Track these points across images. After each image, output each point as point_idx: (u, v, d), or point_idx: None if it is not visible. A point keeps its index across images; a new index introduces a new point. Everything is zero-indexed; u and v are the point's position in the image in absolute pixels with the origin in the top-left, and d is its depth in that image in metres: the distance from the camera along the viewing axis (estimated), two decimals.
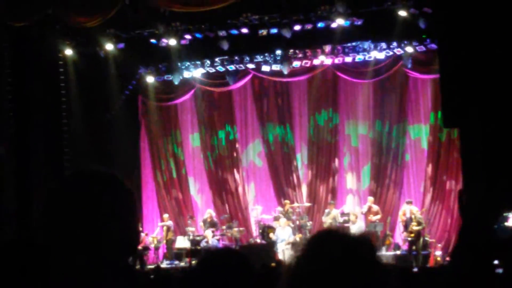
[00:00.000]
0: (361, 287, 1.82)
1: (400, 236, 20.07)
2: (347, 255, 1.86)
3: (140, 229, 20.23)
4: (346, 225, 19.55)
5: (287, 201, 21.10)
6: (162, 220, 21.75)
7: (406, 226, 19.03)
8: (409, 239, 18.64)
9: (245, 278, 2.96)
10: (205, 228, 20.79)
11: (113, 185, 2.20)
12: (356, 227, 19.26)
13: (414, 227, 18.58)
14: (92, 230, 2.09)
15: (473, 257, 2.25)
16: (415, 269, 9.77)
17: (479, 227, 2.29)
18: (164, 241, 21.01)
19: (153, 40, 19.71)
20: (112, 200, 2.15)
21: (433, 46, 18.69)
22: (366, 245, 1.92)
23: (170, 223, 21.48)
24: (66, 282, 2.07)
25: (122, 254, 2.18)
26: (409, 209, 19.32)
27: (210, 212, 21.48)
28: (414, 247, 18.53)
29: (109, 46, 19.72)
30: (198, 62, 21.39)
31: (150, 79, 22.28)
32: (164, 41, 19.56)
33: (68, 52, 19.78)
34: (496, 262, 2.39)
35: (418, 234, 18.59)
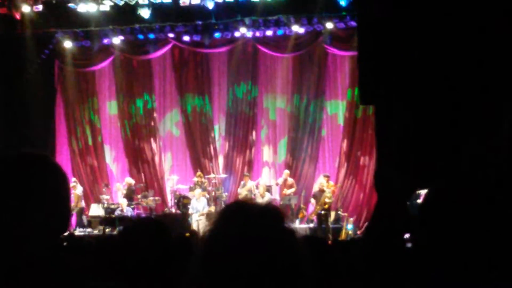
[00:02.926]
0: (271, 254, 1.87)
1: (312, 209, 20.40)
2: (255, 223, 1.92)
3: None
4: (253, 197, 19.69)
5: (199, 173, 21.09)
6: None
7: (316, 198, 19.23)
8: (322, 212, 18.89)
9: (164, 247, 3.01)
10: (128, 196, 20.57)
11: (45, 167, 2.20)
12: (264, 201, 19.43)
13: (327, 199, 18.84)
14: (27, 212, 2.09)
15: (384, 232, 2.32)
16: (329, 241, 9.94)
17: (393, 204, 2.37)
18: (75, 210, 20.65)
19: (71, 5, 19.29)
20: (45, 182, 2.15)
21: (353, 23, 18.97)
22: (273, 214, 1.98)
23: (79, 192, 21.02)
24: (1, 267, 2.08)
25: (55, 234, 2.20)
26: (320, 183, 19.59)
27: (128, 181, 21.29)
28: (324, 221, 18.79)
29: (26, 8, 19.20)
30: (118, 29, 21.05)
31: (67, 44, 21.78)
32: (83, 6, 19.18)
33: None
34: (406, 236, 2.49)
35: (329, 208, 18.90)
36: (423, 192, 2.41)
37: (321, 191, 19.06)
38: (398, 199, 2.41)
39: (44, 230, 2.13)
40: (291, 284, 1.89)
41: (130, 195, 20.74)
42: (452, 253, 2.10)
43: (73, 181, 20.98)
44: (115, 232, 18.26)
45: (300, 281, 1.90)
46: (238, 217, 1.96)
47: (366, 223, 19.02)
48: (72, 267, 2.18)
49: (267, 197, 19.79)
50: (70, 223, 20.39)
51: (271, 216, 1.97)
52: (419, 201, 2.35)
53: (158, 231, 3.12)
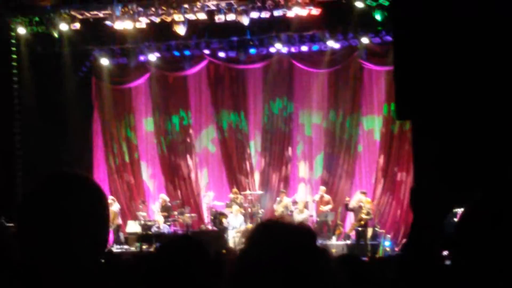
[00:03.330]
0: (302, 274, 1.87)
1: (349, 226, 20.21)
2: (286, 243, 1.92)
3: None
4: (289, 214, 19.64)
5: (235, 190, 21.06)
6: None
7: (355, 214, 19.13)
8: (359, 229, 18.75)
9: (202, 264, 3.02)
10: (161, 213, 20.62)
11: (85, 186, 2.22)
12: (303, 217, 19.36)
13: (363, 215, 18.69)
14: (68, 233, 2.11)
15: (421, 250, 2.28)
16: (364, 258, 9.82)
17: (429, 223, 2.32)
18: (112, 227, 20.71)
19: (108, 22, 19.47)
20: (88, 204, 2.17)
21: (388, 38, 18.85)
22: (305, 233, 1.98)
23: (116, 208, 21.10)
24: (44, 283, 2.09)
25: (95, 253, 2.21)
26: (359, 199, 19.43)
27: (163, 197, 21.35)
28: (362, 237, 18.64)
29: (64, 26, 19.42)
30: (154, 46, 21.19)
31: (104, 61, 21.99)
32: (120, 23, 19.35)
33: (21, 31, 19.45)
34: (445, 253, 2.42)
35: (366, 224, 18.72)
36: (460, 211, 2.34)
37: (360, 207, 18.91)
38: (435, 217, 2.34)
39: (85, 249, 2.14)
40: None
41: (166, 212, 20.77)
42: (489, 278, 2.03)
43: (110, 199, 21.12)
44: (151, 249, 18.30)
45: None
46: (269, 236, 1.97)
47: (404, 240, 18.81)
48: (113, 285, 2.21)
49: (306, 213, 19.70)
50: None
51: (303, 235, 1.97)
52: (456, 219, 2.28)
53: (195, 249, 3.12)
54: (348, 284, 1.99)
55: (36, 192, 2.19)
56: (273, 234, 1.96)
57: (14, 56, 19.22)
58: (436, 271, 2.32)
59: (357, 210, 19.00)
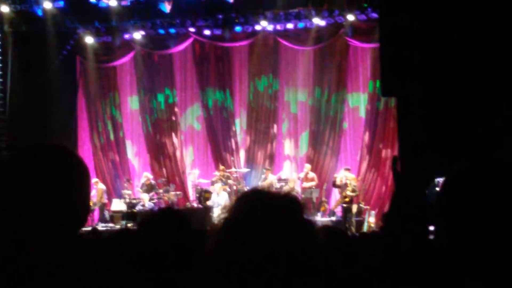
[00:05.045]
0: (287, 245, 1.81)
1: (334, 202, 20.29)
2: (272, 213, 1.85)
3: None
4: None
5: (222, 167, 21.09)
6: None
7: (341, 190, 19.21)
8: (344, 205, 18.84)
9: (185, 237, 3.01)
10: (142, 192, 20.69)
11: (66, 158, 2.20)
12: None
13: (348, 192, 18.78)
14: (46, 204, 2.09)
15: (404, 222, 2.26)
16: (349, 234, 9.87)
17: (412, 193, 2.30)
18: (98, 205, 20.80)
19: (92, 0, 19.33)
20: (65, 174, 2.15)
21: (374, 15, 18.84)
22: (290, 203, 1.91)
23: (102, 187, 21.23)
24: (17, 256, 2.08)
25: (75, 226, 2.18)
26: (344, 176, 19.49)
27: (147, 175, 21.36)
28: (348, 214, 18.73)
29: (48, 5, 19.28)
30: (139, 24, 21.07)
31: (89, 40, 21.87)
32: (104, 1, 19.22)
33: (5, 9, 19.28)
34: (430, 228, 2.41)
35: (351, 201, 18.80)
36: (442, 180, 2.30)
37: (346, 184, 18.98)
38: (418, 188, 2.32)
39: (64, 222, 2.12)
40: (307, 274, 1.84)
41: (150, 189, 20.81)
42: (479, 253, 1.98)
43: (95, 180, 21.20)
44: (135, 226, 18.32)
45: (317, 271, 1.85)
46: (254, 205, 1.89)
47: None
48: (93, 260, 2.16)
49: (296, 190, 19.71)
50: (91, 216, 20.53)
51: (289, 205, 1.90)
52: (438, 189, 2.24)
53: (178, 222, 3.12)
54: (333, 257, 1.94)
55: (15, 159, 2.17)
56: (258, 203, 1.89)
57: None
58: (418, 242, 2.30)
59: (343, 187, 19.08)
